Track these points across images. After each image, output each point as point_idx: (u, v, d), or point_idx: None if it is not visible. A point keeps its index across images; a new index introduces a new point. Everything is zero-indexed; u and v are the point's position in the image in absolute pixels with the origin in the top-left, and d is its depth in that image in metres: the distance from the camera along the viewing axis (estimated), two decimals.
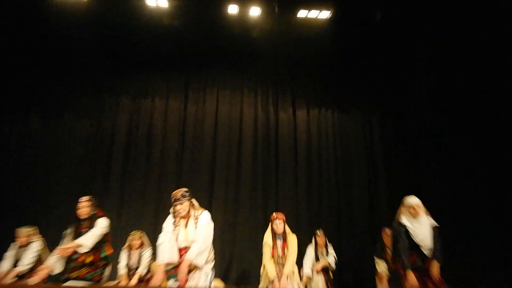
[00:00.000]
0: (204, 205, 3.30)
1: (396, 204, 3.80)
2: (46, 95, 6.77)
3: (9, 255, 4.16)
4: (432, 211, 3.63)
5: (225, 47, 7.05)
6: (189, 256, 2.90)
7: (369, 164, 6.96)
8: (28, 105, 6.72)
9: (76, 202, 5.71)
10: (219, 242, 5.97)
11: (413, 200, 3.56)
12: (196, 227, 3.03)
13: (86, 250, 3.38)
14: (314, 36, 6.67)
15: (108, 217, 3.94)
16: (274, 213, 4.10)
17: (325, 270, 4.86)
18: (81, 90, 6.87)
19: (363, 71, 7.31)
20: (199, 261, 2.91)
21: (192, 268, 2.96)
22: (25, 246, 4.18)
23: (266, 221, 4.27)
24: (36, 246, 4.15)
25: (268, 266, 3.87)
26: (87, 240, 3.44)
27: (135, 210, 6.32)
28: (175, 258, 2.95)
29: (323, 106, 7.25)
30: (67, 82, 6.86)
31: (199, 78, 7.17)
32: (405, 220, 3.53)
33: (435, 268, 3.35)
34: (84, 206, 3.68)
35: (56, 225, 5.84)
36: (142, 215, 6.25)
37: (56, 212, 6.09)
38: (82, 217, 3.68)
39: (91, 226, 3.65)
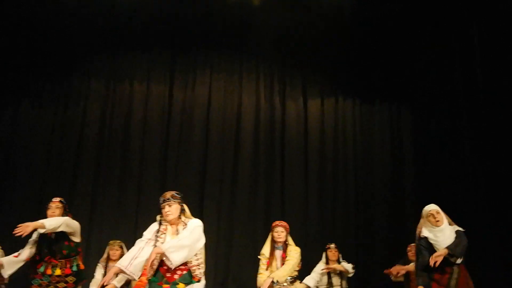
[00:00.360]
0: (193, 214, 3.41)
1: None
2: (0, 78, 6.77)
3: None
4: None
5: (221, 19, 7.01)
6: (162, 245, 3.01)
7: (396, 166, 7.03)
8: None
9: (33, 208, 5.94)
10: (212, 257, 5.98)
11: (431, 207, 3.85)
12: None
13: (44, 231, 3.58)
14: (334, 7, 6.64)
15: None
16: (276, 221, 4.39)
17: None
18: (43, 72, 6.90)
19: (394, 53, 7.26)
20: (173, 257, 2.96)
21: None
22: None
23: (267, 234, 4.48)
24: None
25: (259, 277, 4.20)
26: (51, 220, 3.66)
27: (110, 218, 6.39)
28: (129, 269, 3.00)
29: (341, 95, 7.31)
30: (26, 62, 6.88)
31: (188, 57, 7.20)
32: (426, 232, 3.77)
33: (440, 252, 3.58)
34: (56, 208, 3.86)
35: (7, 235, 6.01)
36: (118, 225, 6.32)
37: (9, 220, 5.96)
38: None
39: None
